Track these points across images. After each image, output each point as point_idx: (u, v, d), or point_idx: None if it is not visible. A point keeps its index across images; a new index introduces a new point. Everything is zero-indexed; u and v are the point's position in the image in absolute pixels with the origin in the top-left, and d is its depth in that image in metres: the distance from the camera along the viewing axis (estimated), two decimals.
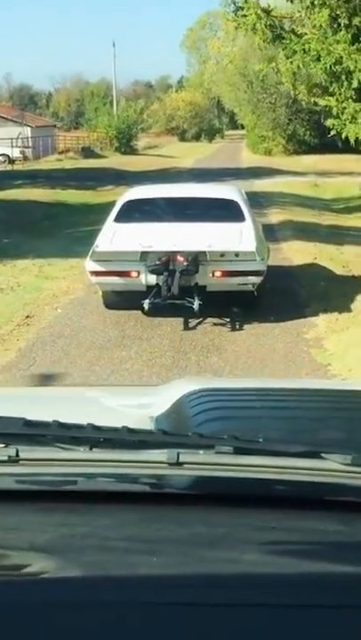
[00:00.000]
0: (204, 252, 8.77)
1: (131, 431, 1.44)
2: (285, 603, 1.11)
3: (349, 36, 9.98)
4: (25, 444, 1.42)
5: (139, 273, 8.83)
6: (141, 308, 8.90)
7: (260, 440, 1.42)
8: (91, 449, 1.42)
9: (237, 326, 8.89)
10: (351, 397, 2.32)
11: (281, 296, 10.02)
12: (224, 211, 9.57)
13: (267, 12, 10.83)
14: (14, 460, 1.40)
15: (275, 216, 19.95)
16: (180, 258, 8.70)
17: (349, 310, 9.40)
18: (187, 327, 8.82)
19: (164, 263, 8.69)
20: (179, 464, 1.37)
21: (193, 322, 8.93)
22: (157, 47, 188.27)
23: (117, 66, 70.49)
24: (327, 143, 35.15)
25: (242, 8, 10.86)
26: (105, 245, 8.89)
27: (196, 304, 8.70)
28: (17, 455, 1.40)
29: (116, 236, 9.03)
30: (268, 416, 1.99)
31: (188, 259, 8.69)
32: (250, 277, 8.91)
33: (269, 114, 54.31)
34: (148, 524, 1.38)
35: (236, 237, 8.98)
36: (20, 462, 1.40)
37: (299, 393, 2.40)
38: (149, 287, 8.86)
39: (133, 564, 1.24)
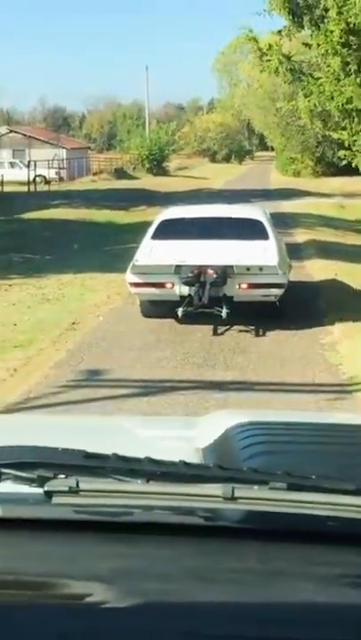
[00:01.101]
0: (232, 266, 9.82)
1: (187, 465, 1.45)
2: (341, 639, 1.12)
3: (358, 80, 11.35)
4: (84, 475, 1.43)
5: (173, 284, 9.89)
6: (175, 316, 9.96)
7: (313, 477, 1.42)
8: (148, 481, 1.42)
9: (261, 333, 9.91)
10: None
11: (302, 307, 11.05)
12: (250, 229, 10.64)
13: (287, 57, 12.20)
14: (74, 491, 1.41)
15: (300, 236, 20.82)
16: (210, 271, 9.74)
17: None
18: (216, 333, 9.85)
19: (196, 276, 9.77)
20: (233, 499, 1.37)
21: (221, 329, 9.96)
22: (189, 70, 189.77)
23: (149, 88, 71.55)
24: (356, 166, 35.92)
25: (266, 54, 12.16)
26: (144, 259, 9.99)
27: (224, 312, 9.74)
28: (77, 486, 1.41)
29: (153, 252, 10.18)
30: (317, 451, 1.99)
31: (218, 272, 9.75)
32: (272, 289, 9.98)
33: (298, 136, 55.07)
34: (204, 556, 1.40)
35: (261, 253, 10.07)
36: (80, 493, 1.41)
37: (345, 428, 2.44)
38: (182, 297, 9.91)
39: (190, 595, 1.26)
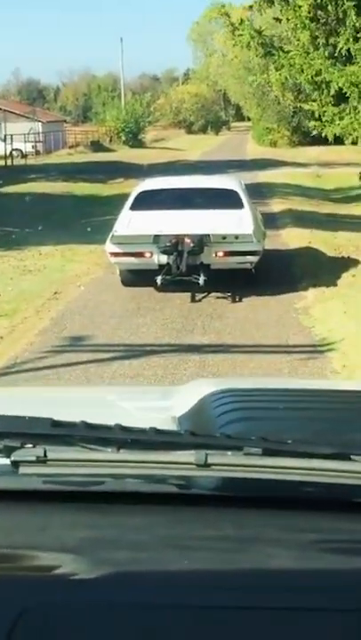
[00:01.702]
0: (208, 235, 10.14)
1: (158, 432, 1.43)
2: (316, 606, 1.11)
3: (326, 52, 11.76)
4: (53, 445, 1.40)
5: (152, 253, 10.19)
6: (154, 284, 10.29)
7: (289, 442, 1.40)
8: (118, 450, 1.40)
9: (237, 299, 10.26)
10: None
11: (277, 274, 11.40)
12: (225, 199, 10.93)
13: (259, 32, 12.58)
14: (42, 461, 1.38)
15: (276, 205, 21.04)
16: (187, 240, 10.05)
17: (335, 285, 10.80)
18: (194, 300, 10.20)
19: (173, 245, 10.06)
20: (207, 465, 1.35)
21: (199, 296, 10.31)
22: (164, 40, 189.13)
23: (124, 59, 71.33)
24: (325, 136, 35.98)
25: (238, 29, 12.51)
26: (123, 230, 10.34)
27: (201, 280, 10.10)
28: (45, 455, 1.38)
29: (131, 222, 10.51)
30: (293, 417, 1.95)
31: (195, 241, 10.06)
32: (248, 257, 10.33)
33: (274, 107, 55.09)
34: (177, 525, 1.39)
35: (236, 222, 10.41)
36: (48, 463, 1.38)
37: (322, 394, 2.41)
38: (161, 266, 10.23)
39: (164, 565, 1.24)
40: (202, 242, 10.12)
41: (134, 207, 10.96)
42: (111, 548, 1.31)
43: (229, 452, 1.38)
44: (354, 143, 14.06)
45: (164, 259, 10.18)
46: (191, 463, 1.35)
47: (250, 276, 10.55)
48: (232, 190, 11.34)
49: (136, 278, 10.67)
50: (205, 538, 1.35)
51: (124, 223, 10.57)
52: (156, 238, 10.14)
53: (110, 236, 10.35)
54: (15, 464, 1.39)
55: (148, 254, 10.23)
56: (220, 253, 10.24)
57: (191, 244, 10.06)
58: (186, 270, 10.08)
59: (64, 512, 1.41)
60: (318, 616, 1.09)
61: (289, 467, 1.36)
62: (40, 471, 1.40)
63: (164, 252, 10.14)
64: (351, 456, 1.37)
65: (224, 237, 10.21)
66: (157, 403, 2.41)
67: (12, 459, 1.39)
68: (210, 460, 1.35)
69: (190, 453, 1.36)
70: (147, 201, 11.00)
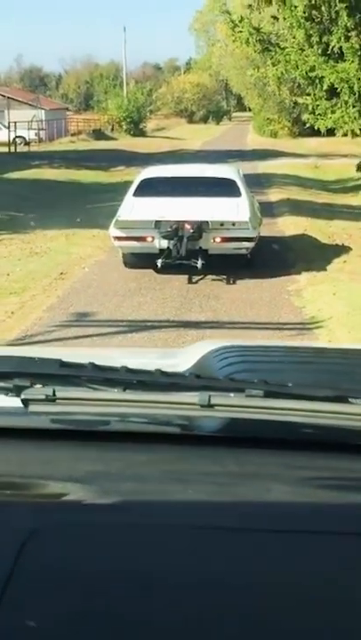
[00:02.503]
0: (207, 222, 10.67)
1: (163, 374, 1.46)
2: (312, 529, 1.15)
3: (320, 50, 12.40)
4: (61, 385, 1.44)
5: (153, 238, 10.72)
6: (154, 267, 10.86)
7: (290, 385, 1.43)
8: (124, 390, 1.43)
9: (232, 281, 10.84)
10: None
11: (273, 259, 11.99)
12: (224, 187, 11.50)
13: (257, 29, 13.27)
14: (51, 400, 1.41)
15: (274, 195, 21.41)
16: (187, 226, 10.58)
17: (326, 270, 11.39)
18: (190, 282, 10.78)
19: (174, 230, 10.58)
20: (210, 406, 1.37)
21: (196, 278, 10.89)
22: (166, 29, 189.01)
23: (127, 48, 71.67)
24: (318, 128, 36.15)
25: (237, 25, 13.17)
26: (126, 215, 10.92)
27: (199, 263, 10.67)
28: (54, 395, 1.41)
29: (134, 208, 11.09)
30: (296, 369, 2.01)
31: (194, 227, 10.59)
32: (244, 243, 10.88)
33: (275, 98, 55.25)
34: (181, 461, 1.43)
35: (233, 210, 10.97)
36: (57, 401, 1.42)
37: (323, 350, 2.50)
38: (162, 250, 10.76)
39: (169, 493, 1.30)
40: (201, 228, 10.64)
41: (137, 194, 11.51)
42: (116, 479, 1.36)
43: (232, 394, 1.41)
44: (345, 135, 14.73)
45: (164, 243, 10.71)
46: (195, 404, 1.39)
47: (246, 260, 11.12)
48: (230, 179, 11.87)
49: (138, 261, 11.21)
50: (207, 473, 1.39)
51: (128, 209, 11.14)
52: (158, 224, 10.65)
53: (114, 220, 10.90)
54: (25, 402, 1.44)
55: (149, 239, 10.74)
56: (218, 239, 10.75)
57: (191, 230, 10.59)
58: (185, 254, 10.61)
59: (71, 448, 1.45)
60: (312, 537, 1.13)
61: (289, 408, 1.39)
62: (49, 409, 1.44)
63: (164, 237, 10.66)
64: (349, 399, 1.41)
65: (222, 224, 10.72)
66: (162, 360, 2.45)
67: (22, 397, 1.44)
68: (213, 401, 1.38)
69: (194, 395, 1.40)
70: (149, 188, 11.55)
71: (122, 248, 11.23)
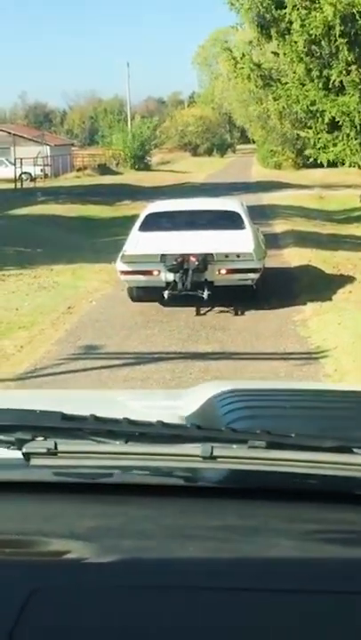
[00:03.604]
0: (212, 254, 10.85)
1: (165, 425, 1.45)
2: (316, 589, 1.12)
3: (320, 84, 12.64)
4: (63, 438, 1.43)
5: (159, 272, 10.90)
6: (161, 299, 11.01)
7: (293, 435, 1.41)
8: (126, 442, 1.42)
9: (239, 312, 10.96)
10: None
11: (278, 290, 12.09)
12: (228, 220, 11.70)
13: (258, 65, 13.63)
14: (53, 453, 1.41)
15: (279, 226, 21.59)
16: (192, 259, 10.78)
17: (331, 300, 11.49)
18: (198, 314, 10.90)
19: (179, 263, 10.77)
20: (212, 458, 1.37)
21: (203, 310, 10.99)
22: (170, 64, 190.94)
23: (131, 82, 72.42)
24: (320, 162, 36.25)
25: (238, 62, 13.47)
26: (132, 249, 11.08)
27: (205, 294, 10.82)
28: (55, 448, 1.41)
29: (140, 242, 11.26)
30: (299, 415, 1.98)
31: (199, 259, 10.77)
32: (249, 274, 11.04)
33: (278, 130, 55.59)
34: (183, 515, 1.41)
35: (238, 242, 11.12)
36: (59, 455, 1.41)
37: (326, 394, 2.47)
38: (168, 283, 10.94)
39: (170, 552, 1.27)
40: (206, 260, 10.81)
41: (143, 228, 11.68)
42: (118, 536, 1.34)
43: (234, 445, 1.41)
44: (352, 166, 14.91)
45: (170, 276, 10.89)
46: (197, 455, 1.38)
47: (252, 291, 11.25)
48: (234, 212, 12.04)
49: (144, 294, 11.37)
50: (209, 528, 1.37)
51: (134, 243, 11.30)
52: (163, 257, 10.85)
53: (120, 255, 11.09)
54: (27, 456, 1.44)
55: (155, 272, 10.92)
56: (223, 271, 10.91)
57: (196, 263, 10.77)
58: (191, 287, 10.79)
59: (73, 502, 1.45)
60: (316, 598, 1.11)
61: (292, 459, 1.38)
62: (51, 463, 1.44)
63: (170, 270, 10.84)
64: (353, 449, 1.40)
65: (226, 256, 10.89)
66: (166, 402, 2.45)
67: (24, 451, 1.44)
68: (215, 453, 1.37)
69: (196, 446, 1.39)
70: (154, 222, 11.75)
71: (128, 282, 11.40)
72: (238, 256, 10.89)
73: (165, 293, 10.93)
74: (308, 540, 1.34)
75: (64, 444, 1.43)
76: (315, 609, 1.09)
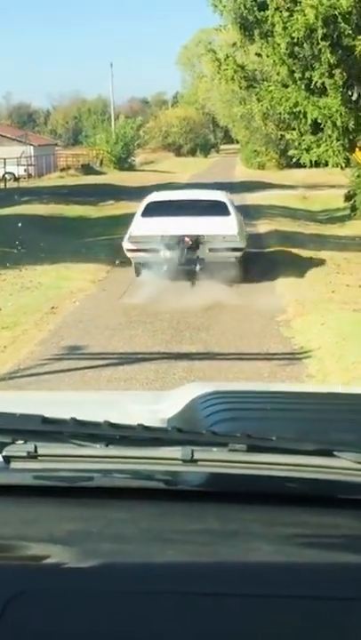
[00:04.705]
0: (203, 236, 13.05)
1: (146, 429, 1.45)
2: (296, 594, 1.12)
3: (303, 86, 12.87)
4: (43, 441, 1.43)
5: (159, 250, 12.95)
6: (160, 273, 12.69)
7: (273, 438, 1.41)
8: (107, 446, 1.42)
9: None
10: (360, 400, 2.36)
11: (260, 289, 12.20)
12: (216, 208, 13.97)
13: (242, 67, 13.89)
14: (33, 456, 1.41)
15: (263, 227, 21.71)
16: (186, 239, 12.95)
17: (314, 299, 11.51)
18: (193, 284, 12.58)
19: (176, 243, 12.92)
20: (193, 461, 1.37)
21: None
22: (153, 64, 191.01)
23: (114, 82, 72.38)
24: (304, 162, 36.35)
25: (222, 64, 13.65)
26: (136, 231, 13.41)
27: (197, 268, 12.92)
28: (35, 451, 1.41)
29: (143, 225, 13.51)
30: (280, 417, 1.98)
31: (192, 240, 12.94)
32: (234, 252, 13.20)
33: (262, 130, 55.60)
34: (163, 518, 1.41)
35: (224, 226, 13.37)
36: (39, 458, 1.41)
37: (309, 396, 2.49)
38: (166, 259, 12.91)
39: (149, 555, 1.27)
40: (198, 241, 13.02)
41: (145, 214, 13.99)
42: (97, 539, 1.33)
43: (215, 449, 1.41)
44: (336, 166, 14.95)
45: (168, 254, 12.97)
46: (178, 459, 1.39)
47: (235, 266, 13.07)
48: (221, 201, 14.41)
49: (145, 270, 13.17)
50: (189, 531, 1.37)
51: (138, 226, 13.55)
52: (163, 238, 12.98)
53: (127, 236, 13.33)
54: (7, 459, 1.43)
55: (156, 250, 12.92)
56: (212, 249, 12.99)
57: (190, 243, 12.95)
58: (185, 262, 12.88)
59: (53, 506, 1.44)
60: (296, 603, 1.11)
61: (273, 462, 1.38)
62: (31, 466, 1.44)
63: (168, 249, 12.95)
64: (334, 452, 1.40)
65: (215, 237, 13.04)
66: (149, 405, 2.43)
67: (4, 454, 1.43)
68: (196, 456, 1.38)
69: (177, 449, 1.39)
70: (154, 209, 13.97)
71: (133, 259, 13.45)
72: (225, 237, 13.11)
73: (164, 267, 12.74)
74: (288, 545, 1.34)
75: (44, 448, 1.43)
76: (294, 614, 1.09)
